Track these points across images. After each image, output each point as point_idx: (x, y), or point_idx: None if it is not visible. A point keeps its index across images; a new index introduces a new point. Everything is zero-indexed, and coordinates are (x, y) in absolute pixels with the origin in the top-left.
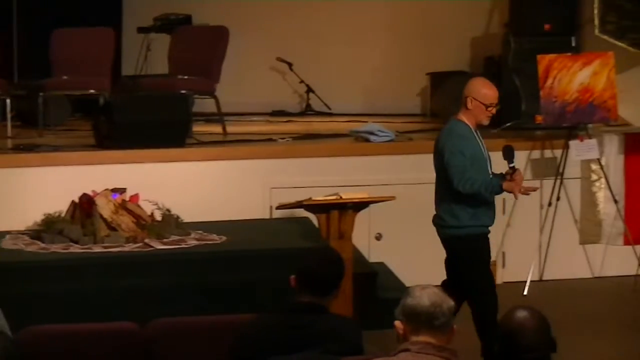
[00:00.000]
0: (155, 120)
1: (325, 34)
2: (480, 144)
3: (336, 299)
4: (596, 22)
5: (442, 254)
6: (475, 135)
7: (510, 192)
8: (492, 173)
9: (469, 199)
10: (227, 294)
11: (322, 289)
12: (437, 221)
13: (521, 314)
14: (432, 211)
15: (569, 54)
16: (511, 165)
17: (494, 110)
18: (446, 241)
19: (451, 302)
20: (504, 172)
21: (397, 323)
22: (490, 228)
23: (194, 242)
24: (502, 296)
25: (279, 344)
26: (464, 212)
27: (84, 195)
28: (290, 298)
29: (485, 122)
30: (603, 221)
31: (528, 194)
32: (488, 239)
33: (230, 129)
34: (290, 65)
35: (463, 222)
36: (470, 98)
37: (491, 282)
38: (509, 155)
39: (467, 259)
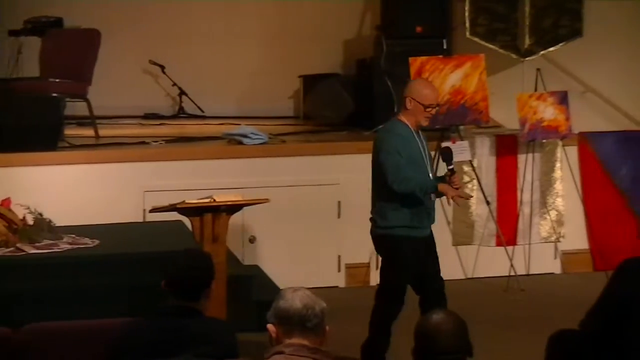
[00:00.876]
0: (27, 123)
1: (198, 36)
2: (420, 144)
3: (210, 302)
4: (467, 24)
5: (314, 256)
6: (415, 135)
7: (444, 194)
8: (435, 175)
9: (401, 200)
10: (100, 298)
11: (191, 292)
12: (371, 221)
13: (438, 316)
14: (306, 213)
15: (441, 56)
16: (450, 167)
17: (433, 111)
18: (373, 240)
19: (323, 304)
20: (444, 175)
21: (270, 326)
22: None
23: (67, 246)
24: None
25: (152, 348)
26: (393, 213)
27: None
28: (163, 302)
29: (424, 122)
30: (475, 223)
31: (457, 202)
32: (419, 243)
33: (102, 132)
34: (162, 68)
35: (391, 223)
36: (409, 98)
37: (401, 291)
38: (446, 157)
39: (388, 259)
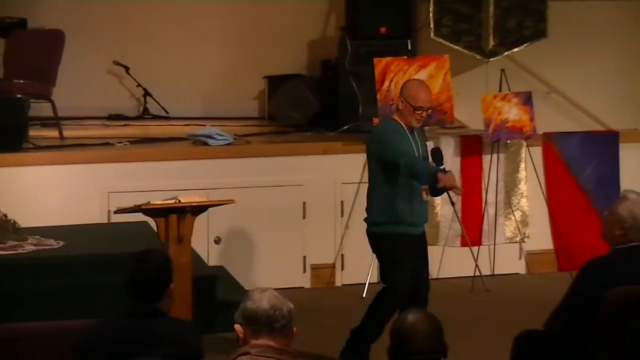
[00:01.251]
0: None
1: (163, 37)
2: (414, 143)
3: (174, 302)
4: (432, 25)
5: (280, 257)
6: (409, 134)
7: (444, 185)
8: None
9: (391, 198)
10: (65, 299)
11: (150, 293)
12: (365, 221)
13: (414, 316)
14: (271, 214)
15: (405, 57)
16: (441, 167)
17: (423, 114)
18: (368, 240)
19: (290, 305)
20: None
21: (237, 327)
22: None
23: (32, 247)
24: (341, 299)
25: (117, 349)
26: (383, 210)
27: None
28: (127, 302)
29: (415, 124)
30: (440, 223)
31: (457, 193)
32: (410, 239)
33: (67, 133)
34: (127, 69)
35: (381, 220)
36: (401, 99)
37: (402, 288)
38: (437, 157)
39: (383, 257)
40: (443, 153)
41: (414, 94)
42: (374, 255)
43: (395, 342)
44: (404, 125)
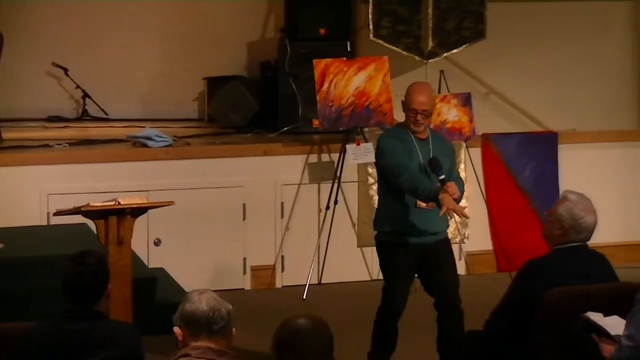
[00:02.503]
0: None
1: (101, 38)
2: (419, 149)
3: (115, 305)
4: (371, 26)
5: (220, 258)
6: (414, 140)
7: (447, 209)
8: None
9: (393, 205)
10: (4, 302)
11: (88, 295)
12: None
13: (301, 321)
14: (211, 216)
15: (345, 58)
16: (441, 177)
17: (418, 117)
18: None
19: (229, 306)
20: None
21: (176, 329)
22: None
23: None
24: (282, 300)
25: (57, 352)
26: (383, 218)
27: None
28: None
29: (412, 127)
30: None
31: (450, 215)
32: (413, 248)
33: (5, 135)
34: (66, 70)
35: (381, 228)
36: (402, 101)
37: (390, 296)
38: (435, 167)
39: (381, 264)
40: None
41: (410, 96)
42: (313, 257)
43: (281, 348)
44: (410, 130)
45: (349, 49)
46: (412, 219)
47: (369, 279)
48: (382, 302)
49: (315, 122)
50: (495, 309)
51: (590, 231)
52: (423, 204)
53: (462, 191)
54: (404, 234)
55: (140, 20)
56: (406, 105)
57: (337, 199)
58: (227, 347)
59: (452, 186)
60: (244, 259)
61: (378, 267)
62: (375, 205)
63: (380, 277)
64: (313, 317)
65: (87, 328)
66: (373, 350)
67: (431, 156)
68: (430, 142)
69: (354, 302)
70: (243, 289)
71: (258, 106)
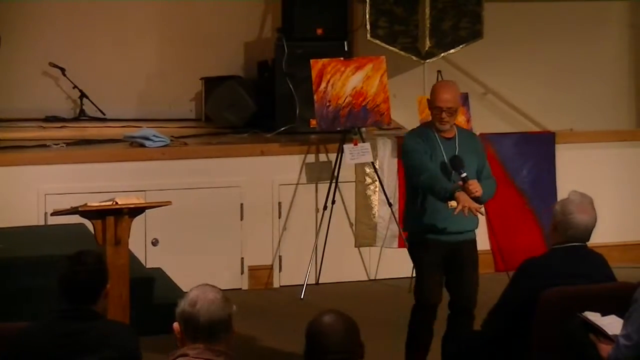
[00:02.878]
0: None
1: (98, 38)
2: (443, 148)
3: (111, 305)
4: (368, 26)
5: (217, 258)
6: (438, 139)
7: (462, 206)
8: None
9: (419, 203)
10: (2, 302)
11: (85, 294)
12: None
13: (329, 317)
14: (208, 216)
15: (342, 58)
16: (462, 175)
17: (443, 115)
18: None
19: (232, 307)
20: (459, 183)
21: (176, 325)
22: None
23: None
24: (279, 300)
25: (53, 352)
26: (412, 217)
27: None
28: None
29: (438, 126)
30: (378, 224)
31: (465, 212)
32: (442, 247)
33: (2, 135)
34: (63, 70)
35: (411, 227)
36: (427, 100)
37: (422, 295)
38: (456, 165)
39: (414, 262)
40: (378, 154)
41: (434, 94)
42: (311, 257)
43: (310, 343)
44: (433, 129)
45: (346, 49)
46: (442, 217)
47: (366, 279)
48: (416, 300)
49: (313, 122)
50: (493, 308)
51: (581, 230)
52: (453, 203)
53: (491, 189)
54: (434, 231)
55: (138, 20)
56: (431, 104)
57: (335, 199)
58: (226, 346)
59: (473, 184)
60: (242, 258)
61: (376, 267)
62: (373, 205)
63: (378, 277)
64: (341, 314)
65: (84, 328)
66: (408, 354)
67: (459, 152)
68: (457, 141)
69: (351, 302)
70: (240, 288)
71: (255, 106)
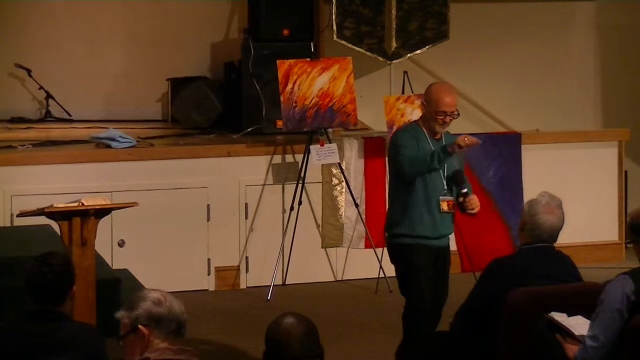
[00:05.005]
0: None
1: (63, 39)
2: (432, 148)
3: (79, 306)
4: (334, 27)
5: (184, 259)
6: (429, 140)
7: (465, 144)
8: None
9: (409, 207)
10: None
11: (52, 296)
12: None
13: (288, 320)
14: (175, 217)
15: (308, 59)
16: (464, 190)
17: (446, 119)
18: (387, 248)
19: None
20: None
21: (144, 329)
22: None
23: None
24: (246, 301)
25: (20, 354)
26: (400, 220)
27: None
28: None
29: (438, 129)
30: (344, 225)
31: (462, 145)
32: (429, 250)
33: None
34: (29, 71)
35: (398, 230)
36: (423, 103)
37: (419, 298)
38: (458, 180)
39: (399, 269)
40: (344, 155)
41: (436, 97)
42: (278, 257)
43: (270, 348)
44: (426, 131)
45: (312, 49)
46: (431, 221)
47: (333, 279)
48: (410, 305)
49: (279, 123)
50: (460, 309)
51: (548, 232)
52: (445, 208)
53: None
54: (424, 236)
55: (104, 21)
56: (432, 107)
57: (301, 199)
58: (182, 344)
59: (473, 200)
60: (208, 259)
61: (342, 268)
62: (340, 206)
63: (344, 278)
64: (300, 317)
65: (50, 329)
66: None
67: (454, 170)
68: (444, 141)
69: (318, 303)
70: (207, 289)
71: (221, 107)
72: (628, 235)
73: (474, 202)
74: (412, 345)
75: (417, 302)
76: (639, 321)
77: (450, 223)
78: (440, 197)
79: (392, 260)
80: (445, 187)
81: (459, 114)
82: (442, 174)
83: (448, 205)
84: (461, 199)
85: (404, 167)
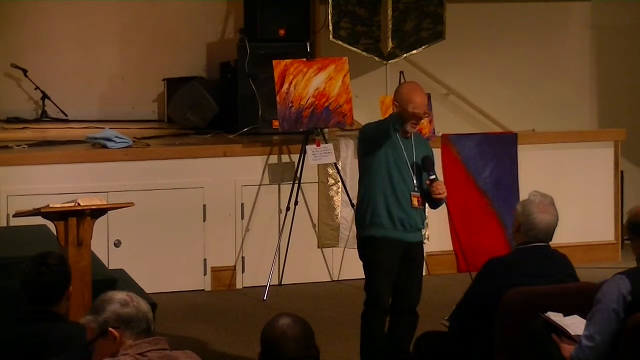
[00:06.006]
0: None
1: (60, 39)
2: (404, 150)
3: (75, 307)
4: (330, 27)
5: (180, 259)
6: (399, 139)
7: (414, 113)
8: (420, 184)
9: (376, 201)
10: None
11: (48, 296)
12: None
13: (284, 321)
14: (171, 217)
15: (304, 59)
16: (432, 177)
17: (419, 120)
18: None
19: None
20: (426, 183)
21: (115, 331)
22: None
23: None
24: (242, 301)
25: (14, 353)
26: (367, 213)
27: None
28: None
29: (409, 129)
30: (340, 225)
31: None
32: (397, 245)
33: None
34: (25, 71)
35: (365, 223)
36: (395, 103)
37: (376, 295)
38: (427, 166)
39: (363, 262)
40: (340, 155)
41: (407, 97)
42: (274, 258)
43: (265, 348)
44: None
45: (308, 49)
46: (400, 216)
47: (329, 279)
48: (368, 301)
49: (275, 123)
50: (456, 308)
51: (544, 231)
52: (416, 204)
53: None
54: (390, 229)
55: (100, 21)
56: (404, 107)
57: (298, 199)
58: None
59: (440, 185)
60: (204, 260)
61: (338, 268)
62: (336, 206)
63: (341, 278)
64: (296, 318)
65: (45, 330)
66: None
67: (415, 154)
68: (413, 140)
69: (314, 303)
70: (203, 290)
71: (217, 107)
72: (626, 233)
73: (441, 188)
74: (369, 343)
75: (375, 300)
76: (635, 321)
77: (420, 219)
78: (412, 193)
79: (359, 256)
80: (415, 183)
81: (429, 114)
82: (411, 170)
83: (418, 201)
84: (428, 183)
85: (366, 134)
